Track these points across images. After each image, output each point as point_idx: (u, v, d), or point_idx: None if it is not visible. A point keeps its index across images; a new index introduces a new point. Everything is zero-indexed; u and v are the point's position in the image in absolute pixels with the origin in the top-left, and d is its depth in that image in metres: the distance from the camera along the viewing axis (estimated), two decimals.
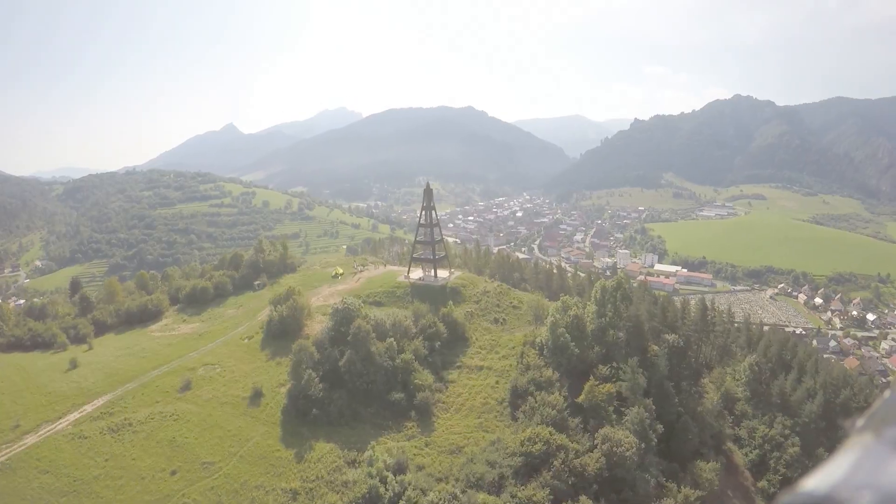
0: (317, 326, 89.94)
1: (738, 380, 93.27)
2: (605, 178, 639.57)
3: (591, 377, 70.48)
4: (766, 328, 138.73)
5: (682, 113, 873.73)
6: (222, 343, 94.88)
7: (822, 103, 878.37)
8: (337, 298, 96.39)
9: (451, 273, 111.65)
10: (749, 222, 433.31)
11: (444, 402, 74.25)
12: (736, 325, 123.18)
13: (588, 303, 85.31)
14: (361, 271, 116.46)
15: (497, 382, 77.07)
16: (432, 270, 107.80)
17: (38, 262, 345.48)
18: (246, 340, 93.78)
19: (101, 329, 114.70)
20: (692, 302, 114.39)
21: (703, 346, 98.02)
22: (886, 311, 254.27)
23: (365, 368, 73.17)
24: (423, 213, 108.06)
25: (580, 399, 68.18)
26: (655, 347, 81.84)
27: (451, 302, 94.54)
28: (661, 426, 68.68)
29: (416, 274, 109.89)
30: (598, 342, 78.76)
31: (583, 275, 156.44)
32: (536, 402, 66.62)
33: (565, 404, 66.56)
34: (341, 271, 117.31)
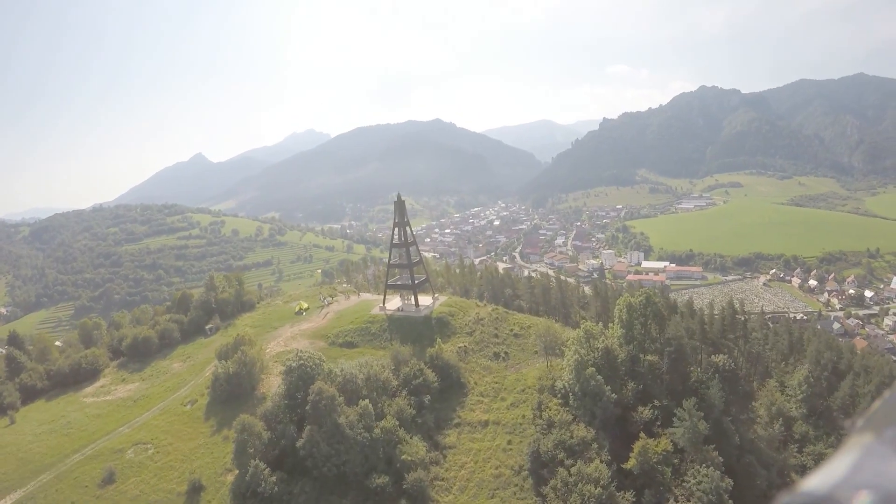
0: (275, 382, 71.71)
1: (790, 396, 77.27)
2: (580, 179, 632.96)
3: (641, 434, 52.72)
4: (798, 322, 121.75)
5: (650, 108, 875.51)
6: (160, 411, 76.09)
7: (787, 87, 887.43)
8: (301, 342, 79.83)
9: (434, 299, 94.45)
10: (729, 211, 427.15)
11: (443, 479, 56.33)
12: (770, 318, 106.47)
13: (611, 324, 68.70)
14: (330, 304, 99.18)
15: (510, 442, 59.47)
16: (412, 297, 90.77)
17: (2, 309, 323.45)
18: (188, 406, 75.12)
19: (30, 394, 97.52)
20: (717, 304, 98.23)
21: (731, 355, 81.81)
22: (882, 286, 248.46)
23: (333, 448, 54.16)
24: (396, 230, 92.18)
25: (629, 465, 50.71)
26: (697, 370, 65.54)
27: (438, 337, 77.55)
28: (730, 480, 52.04)
29: (394, 303, 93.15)
30: (630, 375, 61.79)
31: (587, 288, 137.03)
32: (571, 476, 48.97)
33: (609, 473, 49.30)
34: (306, 306, 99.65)
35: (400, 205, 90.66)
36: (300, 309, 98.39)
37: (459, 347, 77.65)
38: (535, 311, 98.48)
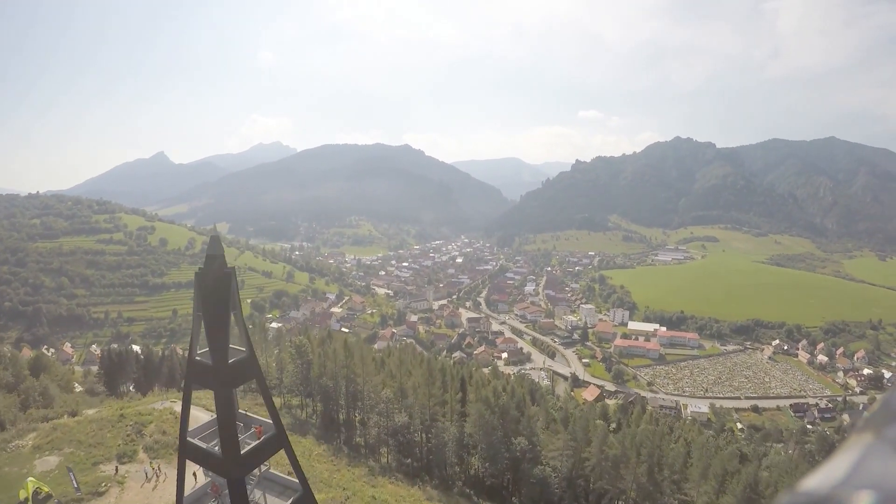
0: None
1: None
2: (549, 220, 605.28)
3: None
4: None
5: (624, 154, 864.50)
6: None
7: (760, 145, 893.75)
8: None
9: None
10: (710, 267, 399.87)
11: None
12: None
13: None
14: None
15: None
16: None
17: None
18: None
19: None
20: None
21: None
22: (894, 363, 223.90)
23: None
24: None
25: None
26: None
27: None
28: None
29: None
30: None
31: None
32: None
33: None
34: (46, 490, 39.33)
35: (220, 279, 25.17)
36: (26, 498, 38.53)
37: None
38: (572, 480, 52.97)
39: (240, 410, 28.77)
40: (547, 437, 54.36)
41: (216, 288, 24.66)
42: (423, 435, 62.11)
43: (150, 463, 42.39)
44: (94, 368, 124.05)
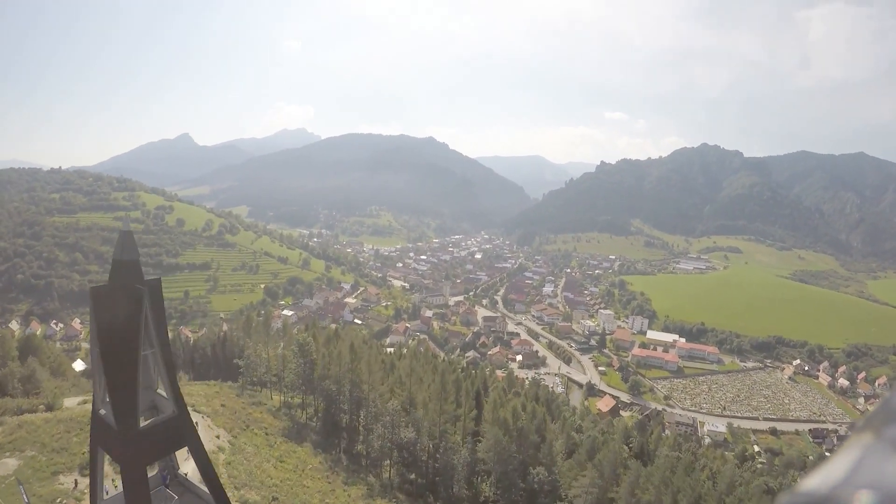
0: None
1: None
2: (571, 221, 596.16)
3: None
4: None
5: (650, 158, 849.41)
6: None
7: (788, 156, 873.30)
8: None
9: None
10: (732, 279, 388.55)
11: None
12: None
13: None
14: None
15: None
16: None
17: None
18: None
19: None
20: None
21: None
22: None
23: None
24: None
25: None
26: None
27: None
28: None
29: None
30: None
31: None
32: None
33: None
34: None
35: (132, 300, 19.95)
36: None
37: None
38: None
39: (180, 471, 23.16)
40: (568, 467, 49.64)
41: (122, 314, 17.58)
42: (430, 445, 57.46)
43: (114, 480, 37.17)
44: None
